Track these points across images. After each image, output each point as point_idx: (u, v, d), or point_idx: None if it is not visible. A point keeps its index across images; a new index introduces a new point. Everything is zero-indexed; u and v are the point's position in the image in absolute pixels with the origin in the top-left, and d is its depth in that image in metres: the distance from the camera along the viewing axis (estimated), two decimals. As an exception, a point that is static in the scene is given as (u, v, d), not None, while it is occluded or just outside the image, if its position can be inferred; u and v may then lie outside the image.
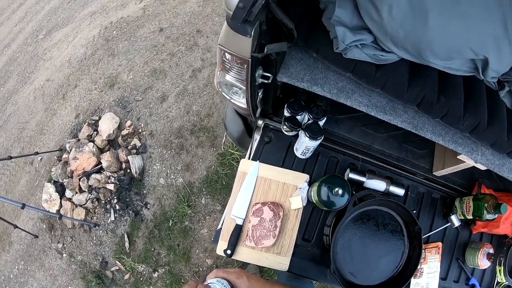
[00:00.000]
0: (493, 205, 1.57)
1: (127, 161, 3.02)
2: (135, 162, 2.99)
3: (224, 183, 2.95)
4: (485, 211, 1.59)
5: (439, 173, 1.81)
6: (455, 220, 1.69)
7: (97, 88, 3.53)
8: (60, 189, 3.09)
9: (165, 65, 3.54)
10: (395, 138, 1.89)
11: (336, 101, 1.45)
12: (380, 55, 1.31)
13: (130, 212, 2.95)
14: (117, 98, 3.40)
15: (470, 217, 1.66)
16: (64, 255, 2.99)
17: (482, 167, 1.56)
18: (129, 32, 3.94)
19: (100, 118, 3.27)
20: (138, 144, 3.11)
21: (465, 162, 1.59)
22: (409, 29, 1.19)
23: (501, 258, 1.68)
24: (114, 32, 3.99)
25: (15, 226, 2.81)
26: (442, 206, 1.81)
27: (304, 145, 1.60)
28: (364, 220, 1.57)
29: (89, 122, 3.28)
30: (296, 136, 1.70)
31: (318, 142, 1.56)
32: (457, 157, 1.58)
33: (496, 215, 1.58)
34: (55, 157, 3.29)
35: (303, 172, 1.69)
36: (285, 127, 1.70)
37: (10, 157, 2.76)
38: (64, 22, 4.43)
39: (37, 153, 3.13)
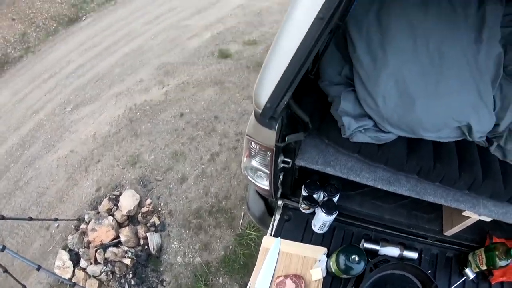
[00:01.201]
0: (504, 251, 1.73)
1: (146, 238, 3.29)
2: (153, 240, 3.25)
3: (242, 262, 3.16)
4: (497, 259, 1.73)
5: (449, 232, 2.01)
6: (470, 273, 1.86)
7: (119, 165, 3.91)
8: (75, 258, 3.31)
9: (185, 148, 3.96)
10: (403, 207, 2.13)
11: (346, 179, 1.76)
12: (380, 136, 1.67)
13: (145, 288, 3.13)
14: (139, 176, 3.75)
15: (484, 267, 1.81)
16: (72, 326, 3.10)
17: (488, 219, 1.74)
18: (151, 115, 4.46)
19: (120, 193, 3.59)
20: (157, 222, 3.40)
21: (471, 217, 1.77)
22: (401, 113, 1.58)
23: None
24: (138, 113, 4.51)
25: (24, 286, 2.91)
26: (457, 263, 1.98)
27: (321, 220, 1.92)
28: (382, 285, 1.80)
29: (110, 196, 3.59)
30: (313, 213, 2.02)
31: (333, 216, 1.88)
32: (462, 213, 1.78)
33: (509, 261, 1.72)
34: (72, 226, 3.56)
35: (321, 245, 1.96)
36: (303, 205, 2.03)
37: (31, 218, 2.99)
38: (91, 99, 4.95)
39: (56, 219, 3.39)
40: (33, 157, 4.35)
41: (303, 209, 2.06)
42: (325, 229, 2.00)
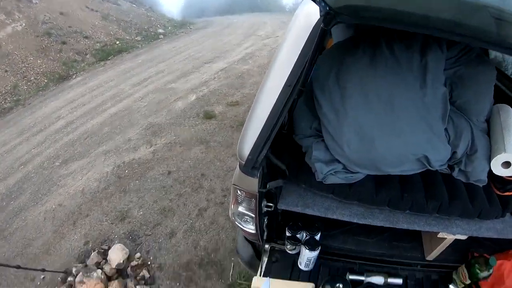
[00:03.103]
0: (483, 262, 1.86)
1: (136, 291, 3.34)
2: (144, 293, 3.32)
3: (234, 312, 3.30)
4: (478, 271, 1.86)
5: (431, 256, 2.14)
6: None
7: (108, 220, 4.07)
8: (62, 312, 3.30)
9: (173, 204, 4.17)
10: (385, 240, 2.29)
11: (327, 218, 1.98)
12: (350, 176, 1.94)
13: None
14: (127, 231, 3.89)
15: (468, 282, 1.94)
16: None
17: (463, 237, 1.89)
18: (140, 172, 4.70)
19: (109, 247, 3.71)
20: (147, 275, 3.49)
21: (446, 238, 1.91)
22: (364, 154, 1.86)
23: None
24: (126, 171, 4.74)
25: None
26: (443, 284, 2.08)
27: (306, 257, 2.11)
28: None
29: (99, 250, 3.69)
30: (299, 253, 2.21)
31: (316, 252, 2.07)
32: (438, 236, 1.92)
33: (491, 271, 1.85)
34: (59, 278, 3.57)
35: (308, 282, 2.10)
36: (288, 246, 2.23)
37: (19, 266, 3.01)
38: (80, 155, 5.19)
39: (43, 270, 3.34)
40: (20, 208, 4.43)
41: (289, 250, 2.23)
42: (311, 266, 2.16)
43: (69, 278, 3.45)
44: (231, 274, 3.43)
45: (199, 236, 3.79)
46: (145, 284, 3.43)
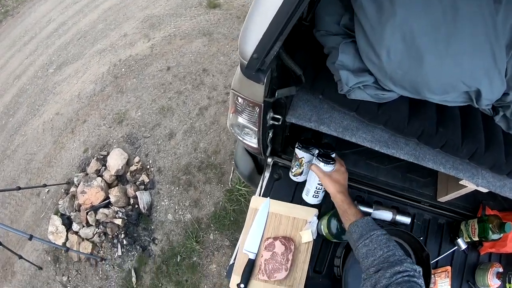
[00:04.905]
0: (497, 225, 1.64)
1: (135, 197, 3.13)
2: (143, 198, 3.08)
3: (232, 218, 3.02)
4: (490, 232, 1.65)
5: (443, 199, 1.89)
6: (462, 243, 1.76)
7: (106, 124, 3.68)
8: (67, 222, 3.19)
9: (173, 103, 3.70)
10: (398, 169, 1.97)
11: (340, 139, 1.56)
12: (381, 94, 1.43)
13: (138, 247, 3.02)
14: (126, 134, 3.53)
15: (476, 239, 1.73)
16: (68, 288, 3.01)
17: (484, 190, 1.63)
18: (137, 70, 4.15)
19: (108, 153, 3.40)
20: (146, 180, 3.21)
21: (467, 186, 1.66)
22: (406, 69, 1.33)
23: (511, 276, 1.67)
24: (123, 69, 4.20)
25: (20, 257, 2.85)
26: (449, 231, 1.88)
27: (316, 183, 1.68)
28: (374, 251, 1.64)
29: (98, 157, 3.39)
30: (304, 182, 1.78)
31: (332, 167, 1.60)
32: (459, 182, 1.66)
33: (502, 235, 1.65)
34: (62, 190, 3.40)
35: (311, 206, 1.77)
36: (293, 169, 1.78)
37: (19, 188, 2.87)
38: (74, 57, 4.62)
39: (45, 185, 3.26)
40: (19, 124, 4.15)
41: (294, 175, 1.81)
42: (320, 196, 1.74)
43: (72, 189, 3.30)
44: (231, 179, 3.14)
45: (199, 137, 3.41)
46: (145, 189, 3.19)
